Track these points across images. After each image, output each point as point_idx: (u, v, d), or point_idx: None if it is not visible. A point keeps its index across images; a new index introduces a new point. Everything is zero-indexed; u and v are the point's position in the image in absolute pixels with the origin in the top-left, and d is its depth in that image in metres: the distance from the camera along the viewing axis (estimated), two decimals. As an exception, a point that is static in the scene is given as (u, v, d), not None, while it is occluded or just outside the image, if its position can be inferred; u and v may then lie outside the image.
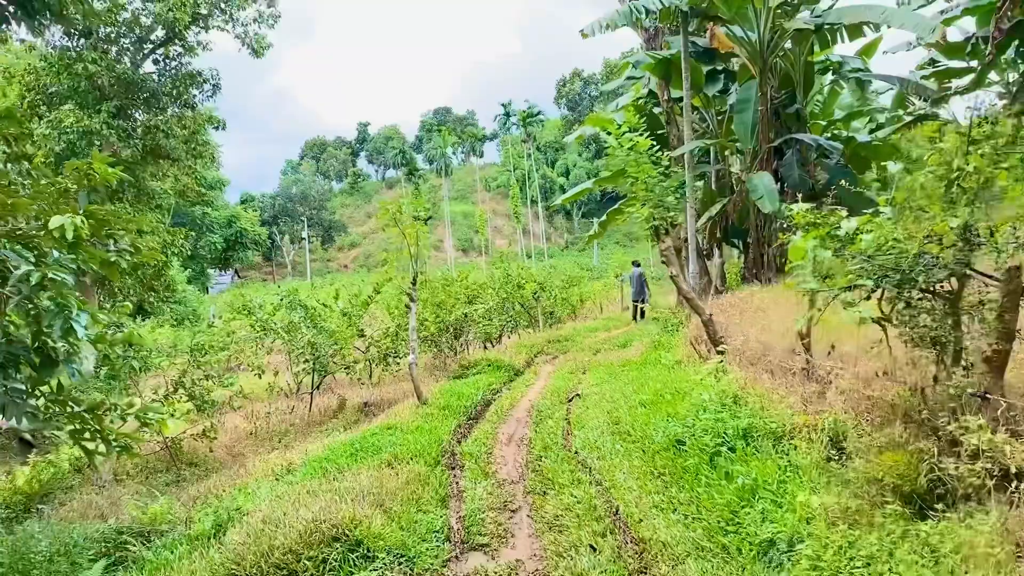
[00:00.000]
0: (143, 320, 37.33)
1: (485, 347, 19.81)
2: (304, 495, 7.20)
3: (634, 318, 24.22)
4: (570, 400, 11.23)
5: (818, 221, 5.70)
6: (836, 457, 5.70)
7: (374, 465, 8.04)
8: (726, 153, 18.79)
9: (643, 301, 24.54)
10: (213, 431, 12.72)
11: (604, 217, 18.30)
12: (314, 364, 13.78)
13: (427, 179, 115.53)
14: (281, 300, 14.06)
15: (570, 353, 17.45)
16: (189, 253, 50.63)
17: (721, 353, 9.22)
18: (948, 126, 19.75)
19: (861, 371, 6.38)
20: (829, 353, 7.29)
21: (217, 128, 28.79)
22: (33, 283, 4.14)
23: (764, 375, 7.83)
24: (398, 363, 15.01)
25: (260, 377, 13.42)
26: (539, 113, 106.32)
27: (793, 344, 7.97)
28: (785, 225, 17.05)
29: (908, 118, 22.92)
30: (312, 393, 14.53)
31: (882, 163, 19.58)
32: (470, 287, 19.06)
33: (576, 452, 8.29)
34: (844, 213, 5.53)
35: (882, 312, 5.39)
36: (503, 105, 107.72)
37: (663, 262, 9.91)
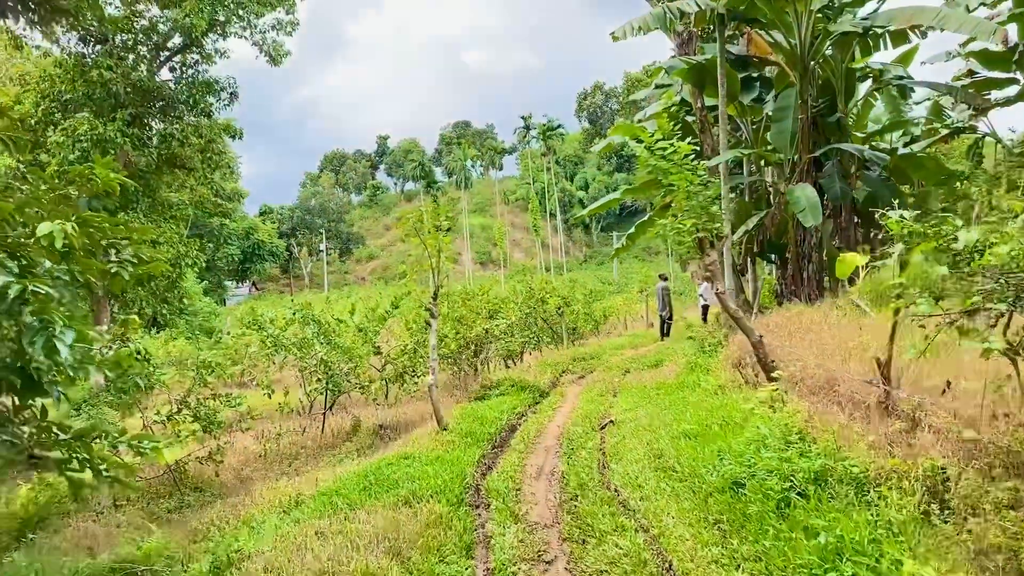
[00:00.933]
0: (157, 332, 36.88)
1: (507, 365, 18.97)
2: (311, 537, 6.41)
3: (662, 335, 23.29)
4: (603, 427, 10.36)
5: (926, 231, 4.78)
6: (938, 512, 4.80)
7: (390, 503, 7.22)
8: (762, 164, 17.88)
9: (669, 317, 23.62)
10: (220, 454, 12.00)
11: (633, 230, 17.44)
12: (327, 383, 13.01)
13: (446, 191, 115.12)
14: (294, 314, 13.30)
15: (597, 372, 16.55)
16: (205, 264, 50.13)
17: (775, 379, 8.32)
18: (986, 139, 18.65)
19: (960, 408, 5.47)
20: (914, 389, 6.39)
21: (234, 138, 28.24)
22: (12, 296, 3.60)
23: (831, 407, 6.92)
24: (416, 382, 14.19)
25: (270, 396, 12.65)
26: (559, 127, 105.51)
27: (865, 373, 7.07)
28: (836, 243, 16.22)
29: (945, 131, 21.96)
30: (325, 413, 13.74)
31: (922, 177, 18.59)
32: (491, 301, 18.25)
33: (616, 491, 7.42)
34: (959, 223, 4.62)
35: (1008, 342, 4.46)
36: (523, 118, 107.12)
37: (707, 278, 9.06)
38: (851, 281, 13.47)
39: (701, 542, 5.68)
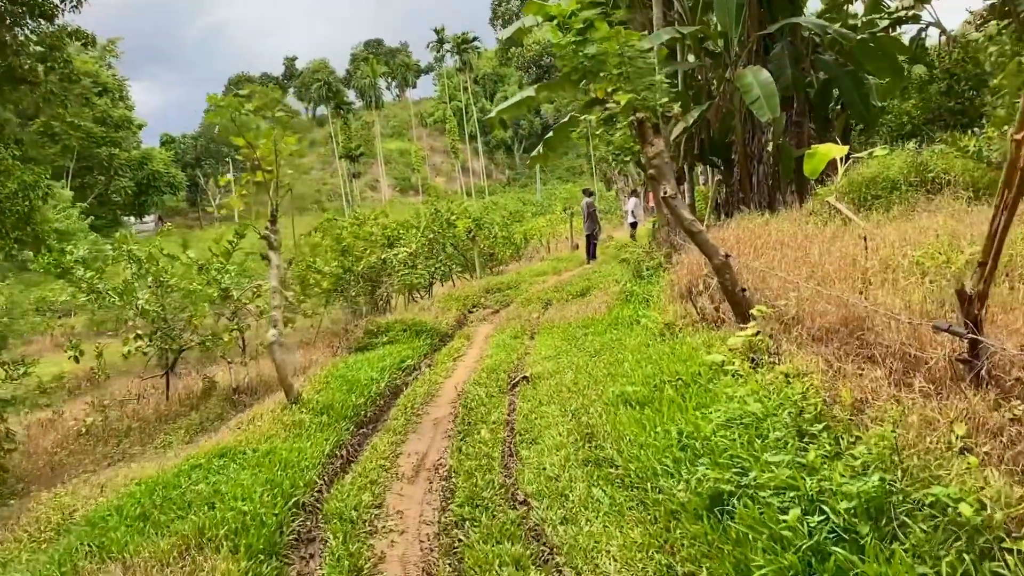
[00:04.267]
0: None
1: (413, 299, 16.09)
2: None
3: (588, 257, 20.77)
4: (514, 385, 7.73)
5: None
6: None
7: (165, 548, 4.44)
8: (700, 49, 15.06)
9: (595, 236, 21.07)
10: (9, 440, 8.99)
11: (551, 134, 14.61)
12: (151, 337, 9.97)
13: (359, 116, 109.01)
14: (112, 250, 10.09)
15: (513, 306, 13.88)
16: (96, 198, 45.05)
17: (750, 317, 5.77)
18: (929, 29, 15.98)
19: None
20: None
21: (85, 45, 24.05)
22: None
23: (861, 365, 4.34)
24: (290, 327, 11.26)
25: (77, 360, 9.54)
26: (475, 39, 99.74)
27: (903, 308, 4.52)
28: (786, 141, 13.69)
29: (885, 21, 19.56)
30: (167, 376, 10.74)
31: (873, 68, 16.11)
32: (388, 227, 15.28)
33: (526, 502, 4.80)
34: None
35: None
36: (436, 31, 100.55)
37: (650, 176, 6.34)
38: (819, 182, 11.03)
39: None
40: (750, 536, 3.38)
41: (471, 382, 8.11)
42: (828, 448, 3.65)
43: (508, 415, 6.76)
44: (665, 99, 6.60)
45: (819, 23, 13.10)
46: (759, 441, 4.02)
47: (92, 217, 51.62)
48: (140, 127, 77.59)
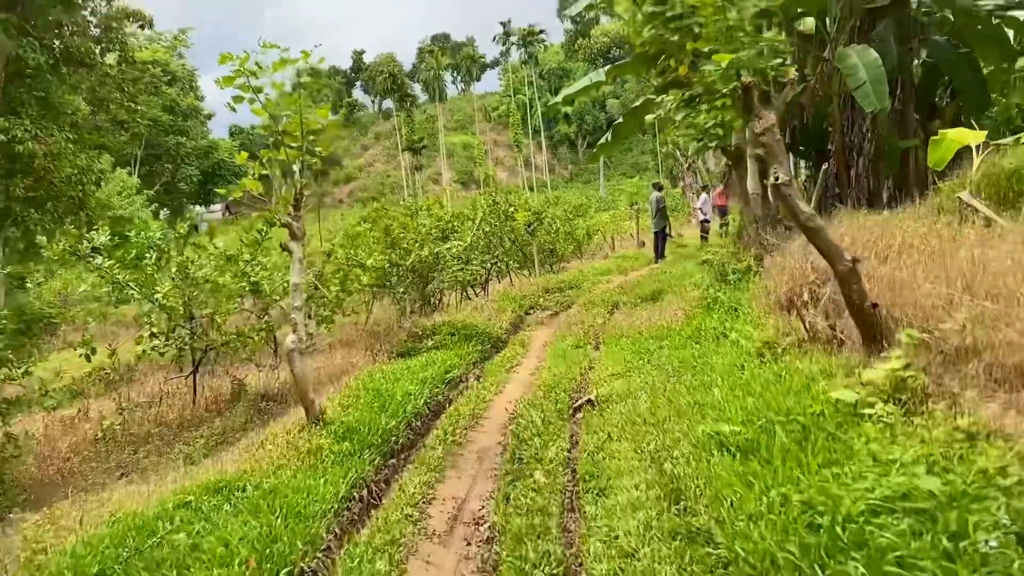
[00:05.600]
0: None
1: (467, 296, 14.90)
2: None
3: (656, 256, 19.31)
4: (576, 410, 6.45)
5: None
6: None
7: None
8: (794, 24, 13.40)
9: (664, 234, 19.59)
10: (15, 447, 8.14)
11: (620, 120, 13.24)
12: (189, 334, 9.00)
13: (423, 109, 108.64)
14: (136, 237, 9.14)
15: (575, 309, 12.57)
16: (163, 186, 45.19)
17: (880, 342, 4.38)
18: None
19: None
20: None
21: (143, 27, 23.63)
22: None
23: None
24: (328, 327, 10.18)
25: (89, 359, 8.62)
26: (542, 32, 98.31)
27: None
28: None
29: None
30: (195, 377, 9.78)
31: (983, 54, 14.21)
32: (443, 219, 14.12)
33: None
34: None
35: None
36: (502, 24, 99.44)
37: (759, 155, 5.00)
38: (941, 175, 9.44)
39: None
40: None
41: (525, 402, 6.85)
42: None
43: (569, 451, 5.49)
44: (779, 61, 5.21)
45: (929, -4, 11.40)
46: (949, 543, 2.67)
47: (157, 205, 52.03)
48: (208, 117, 78.60)
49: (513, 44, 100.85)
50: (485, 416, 6.77)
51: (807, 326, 5.95)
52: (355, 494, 5.00)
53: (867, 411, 4.16)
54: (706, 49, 5.54)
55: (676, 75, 10.80)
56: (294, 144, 6.20)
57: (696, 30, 8.79)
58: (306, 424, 6.10)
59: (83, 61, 21.92)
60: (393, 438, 5.99)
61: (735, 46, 5.30)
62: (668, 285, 12.23)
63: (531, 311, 12.64)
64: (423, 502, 4.89)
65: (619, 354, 8.05)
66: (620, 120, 13.27)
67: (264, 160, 6.31)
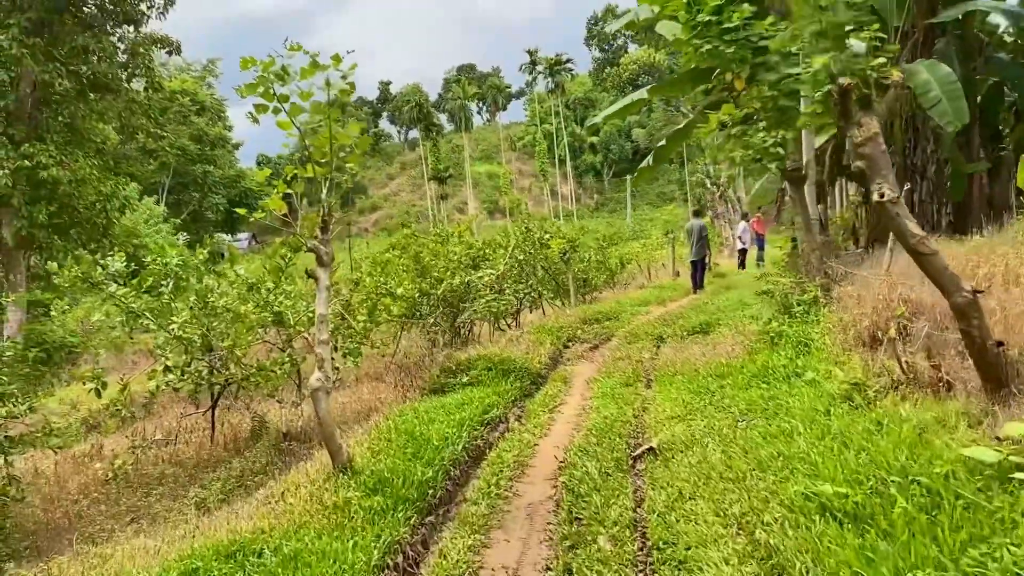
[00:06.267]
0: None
1: (499, 327, 14.17)
2: None
3: (695, 286, 18.50)
4: (635, 458, 5.71)
5: None
6: None
7: None
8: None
9: (704, 264, 18.78)
10: (19, 490, 7.55)
11: (663, 142, 12.53)
12: (208, 368, 8.38)
13: (449, 139, 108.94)
14: (153, 264, 8.57)
15: (616, 341, 11.81)
16: (190, 215, 45.07)
17: (1008, 387, 3.62)
18: None
19: None
20: None
21: (170, 53, 23.45)
22: None
23: None
24: (352, 362, 9.50)
25: (99, 394, 8.01)
26: (568, 61, 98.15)
27: None
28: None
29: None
30: (213, 412, 9.15)
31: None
32: (474, 246, 13.49)
33: None
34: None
35: None
36: (529, 52, 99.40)
37: (857, 169, 4.26)
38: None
39: None
40: None
41: (575, 448, 6.10)
42: None
43: (635, 510, 4.73)
44: (881, 60, 4.51)
45: (1008, 5, 10.68)
46: None
47: (184, 233, 52.11)
48: (236, 147, 79.38)
49: (540, 73, 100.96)
50: (531, 464, 6.03)
51: (904, 366, 5.18)
52: (389, 560, 4.27)
53: (1011, 472, 3.42)
54: (793, 49, 4.86)
55: (729, 92, 10.16)
56: (322, 160, 5.59)
57: (755, 41, 8.20)
58: (332, 472, 5.40)
59: (110, 87, 21.71)
60: (430, 491, 5.26)
61: (827, 45, 4.62)
62: (716, 317, 11.46)
63: (569, 344, 11.89)
64: (468, 573, 4.16)
65: (675, 394, 7.29)
66: (663, 143, 12.62)
67: (288, 178, 5.70)
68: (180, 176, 66.29)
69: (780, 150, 8.35)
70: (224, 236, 76.66)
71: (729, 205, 41.60)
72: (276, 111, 5.25)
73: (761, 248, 23.53)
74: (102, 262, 8.63)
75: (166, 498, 8.14)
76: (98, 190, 20.83)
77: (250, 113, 5.32)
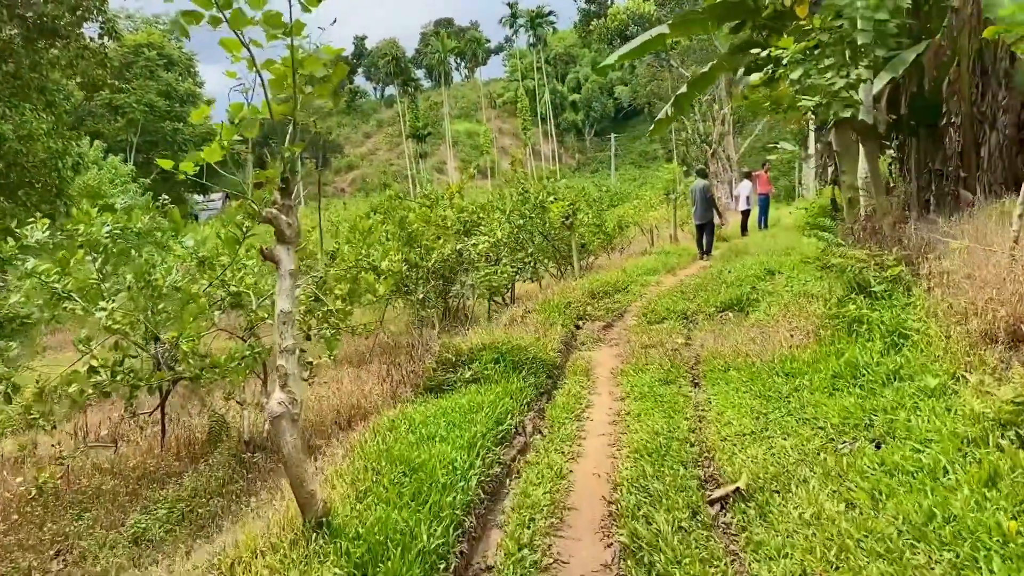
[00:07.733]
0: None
1: (493, 302, 12.56)
2: None
3: (701, 252, 17.06)
4: (717, 505, 4.24)
5: None
6: None
7: None
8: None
9: (712, 226, 17.27)
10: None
11: (684, 89, 10.94)
12: (154, 362, 6.81)
13: (428, 96, 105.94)
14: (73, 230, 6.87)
15: (631, 319, 10.33)
16: (158, 175, 42.68)
17: None
18: None
19: None
20: None
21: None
22: None
23: None
24: (326, 358, 7.92)
25: (9, 399, 6.41)
26: (550, 13, 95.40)
27: None
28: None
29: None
30: (162, 413, 7.60)
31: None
32: (466, 210, 11.89)
33: None
34: None
35: None
36: (509, 5, 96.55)
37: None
38: None
39: None
40: None
41: (626, 482, 4.61)
42: None
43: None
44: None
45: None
46: None
47: (151, 194, 49.83)
48: (209, 103, 76.17)
49: (521, 27, 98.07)
50: (568, 504, 4.54)
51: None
52: None
53: None
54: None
55: (757, 32, 8.68)
56: (282, 95, 4.00)
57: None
58: (302, 531, 3.88)
59: (58, 32, 19.63)
60: (442, 563, 3.75)
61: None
62: (745, 290, 10.00)
63: (580, 323, 10.38)
64: None
65: (735, 397, 5.83)
66: (683, 91, 11.00)
67: (237, 120, 4.12)
68: (149, 134, 63.56)
69: (853, 94, 6.81)
70: (197, 197, 74.13)
71: (720, 164, 40.13)
72: (215, 21, 3.63)
73: (765, 210, 22.06)
74: (20, 231, 7.01)
75: (101, 523, 6.60)
76: (47, 146, 18.91)
77: (176, 21, 3.70)
